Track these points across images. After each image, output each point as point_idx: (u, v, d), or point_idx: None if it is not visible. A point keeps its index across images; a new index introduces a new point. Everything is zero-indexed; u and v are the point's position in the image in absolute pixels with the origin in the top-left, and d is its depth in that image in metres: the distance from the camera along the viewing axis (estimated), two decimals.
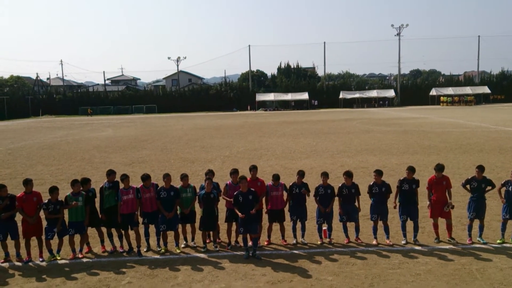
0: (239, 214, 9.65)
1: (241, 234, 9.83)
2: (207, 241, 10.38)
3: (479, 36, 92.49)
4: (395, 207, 10.36)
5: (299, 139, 31.63)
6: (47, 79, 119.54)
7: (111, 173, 10.48)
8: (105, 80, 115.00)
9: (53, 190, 9.96)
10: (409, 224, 10.30)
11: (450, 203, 10.19)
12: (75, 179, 10.29)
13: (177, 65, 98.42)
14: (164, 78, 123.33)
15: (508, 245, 9.84)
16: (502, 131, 32.60)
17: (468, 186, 10.34)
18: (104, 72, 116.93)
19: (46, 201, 9.84)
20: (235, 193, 9.83)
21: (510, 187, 9.91)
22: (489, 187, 10.18)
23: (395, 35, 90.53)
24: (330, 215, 10.48)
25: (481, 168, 10.23)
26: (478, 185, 10.15)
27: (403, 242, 10.14)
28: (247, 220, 9.61)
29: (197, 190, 10.59)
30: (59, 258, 9.86)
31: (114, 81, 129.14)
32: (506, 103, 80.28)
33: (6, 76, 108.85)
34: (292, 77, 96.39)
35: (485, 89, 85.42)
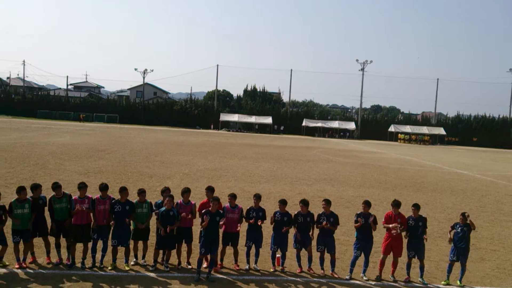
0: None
1: (201, 255, 9.63)
2: (159, 260, 10.14)
3: (438, 79, 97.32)
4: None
5: (260, 162, 31.74)
6: (7, 78, 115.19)
7: (57, 187, 9.94)
8: (67, 85, 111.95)
9: None
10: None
11: (398, 226, 10.06)
12: (22, 186, 9.79)
13: (144, 77, 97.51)
14: (129, 89, 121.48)
15: (453, 287, 10.08)
16: (455, 173, 33.92)
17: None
18: (67, 76, 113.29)
19: None
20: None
21: (459, 229, 10.18)
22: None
23: (359, 70, 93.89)
24: (285, 242, 10.46)
25: (417, 207, 10.40)
26: (416, 224, 10.25)
27: (347, 277, 10.10)
28: (213, 240, 9.58)
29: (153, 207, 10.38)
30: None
31: (77, 87, 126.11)
32: (460, 145, 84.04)
33: None
34: (258, 100, 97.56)
35: (441, 130, 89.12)
